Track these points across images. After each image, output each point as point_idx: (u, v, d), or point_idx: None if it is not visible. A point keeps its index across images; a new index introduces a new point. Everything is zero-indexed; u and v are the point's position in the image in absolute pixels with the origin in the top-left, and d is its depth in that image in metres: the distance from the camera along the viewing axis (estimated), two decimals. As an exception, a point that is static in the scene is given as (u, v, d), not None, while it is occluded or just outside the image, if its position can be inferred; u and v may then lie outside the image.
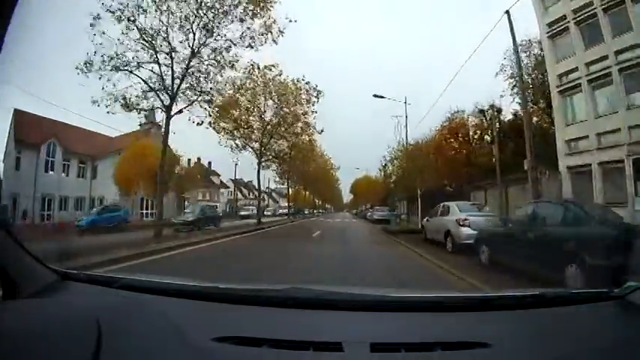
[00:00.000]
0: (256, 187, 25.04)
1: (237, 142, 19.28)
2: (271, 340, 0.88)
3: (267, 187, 50.73)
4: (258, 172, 20.30)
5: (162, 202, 12.39)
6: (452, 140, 21.08)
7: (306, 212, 46.93)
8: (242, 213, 35.22)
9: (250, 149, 19.81)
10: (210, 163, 47.75)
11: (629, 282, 1.15)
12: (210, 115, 12.68)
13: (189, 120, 12.46)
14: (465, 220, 8.41)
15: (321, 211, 65.21)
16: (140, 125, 26.09)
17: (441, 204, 10.45)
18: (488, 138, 20.13)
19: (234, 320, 1.02)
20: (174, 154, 24.27)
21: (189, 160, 52.16)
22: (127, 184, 20.55)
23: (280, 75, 18.36)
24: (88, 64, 10.08)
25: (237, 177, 58.69)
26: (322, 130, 20.53)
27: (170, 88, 11.13)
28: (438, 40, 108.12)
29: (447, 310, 1.11)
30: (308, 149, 23.80)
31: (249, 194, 61.97)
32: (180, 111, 11.84)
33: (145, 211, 26.10)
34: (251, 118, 19.21)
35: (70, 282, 1.22)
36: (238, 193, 58.56)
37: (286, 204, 49.86)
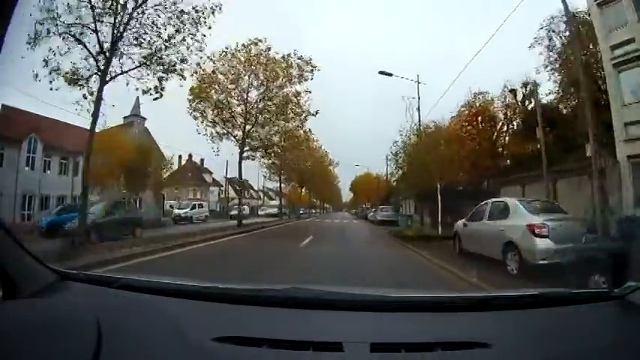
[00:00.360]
0: (253, 186, 24.30)
1: (217, 129, 17.51)
2: (271, 340, 0.91)
3: (264, 186, 50.69)
4: (240, 164, 18.51)
5: (87, 199, 10.61)
6: (470, 127, 18.78)
7: (301, 212, 45.71)
8: (233, 212, 34.74)
9: (232, 138, 17.95)
10: (202, 160, 47.66)
11: (629, 282, 1.20)
12: (160, 80, 10.70)
13: (128, 85, 10.57)
14: (542, 226, 5.91)
15: (319, 210, 65.07)
16: (124, 118, 25.97)
17: (489, 201, 7.99)
18: (517, 123, 18.14)
19: (234, 320, 1.06)
20: (152, 146, 23.37)
21: (180, 156, 51.90)
22: (98, 181, 19.65)
23: (268, 50, 16.74)
24: (37, 36, 9.08)
25: (232, 175, 58.38)
26: (317, 112, 18.35)
27: (108, 48, 9.70)
28: (448, 29, 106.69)
29: (447, 310, 1.15)
30: (302, 139, 21.67)
31: (243, 192, 61.81)
32: (126, 72, 10.21)
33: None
34: (232, 100, 17.31)
35: (70, 282, 1.27)
36: (231, 191, 58.42)
37: (282, 202, 49.26)
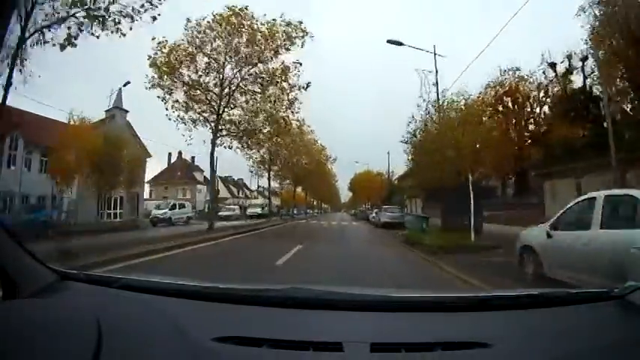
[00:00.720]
0: (248, 186, 22.16)
1: (190, 113, 15.24)
2: (271, 340, 0.95)
3: (260, 186, 49.58)
4: (212, 153, 15.72)
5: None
6: (493, 110, 15.70)
7: (295, 212, 43.02)
8: (222, 213, 33.18)
9: (207, 123, 15.66)
10: (193, 157, 46.84)
11: (629, 282, 1.23)
12: (79, 27, 9.53)
13: (42, 43, 9.49)
14: None
15: (316, 211, 63.89)
16: (106, 111, 25.40)
17: (599, 194, 4.97)
18: (559, 102, 15.07)
19: (234, 320, 1.09)
20: (128, 141, 22.45)
21: (169, 154, 51.25)
22: (61, 177, 19.30)
23: (251, 21, 14.49)
24: None
25: (227, 174, 57.48)
26: (309, 84, 15.74)
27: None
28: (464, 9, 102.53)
29: (447, 310, 1.19)
30: (292, 124, 18.72)
31: (238, 192, 61.32)
32: (44, 28, 9.15)
33: (109, 211, 25.05)
34: (208, 78, 15.11)
35: (70, 282, 1.30)
36: (226, 191, 57.79)
37: (278, 202, 47.44)
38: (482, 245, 9.08)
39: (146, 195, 44.51)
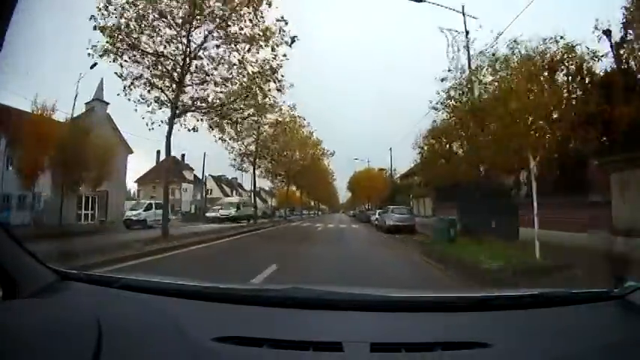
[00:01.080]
0: (245, 185, 18.81)
1: (154, 92, 11.83)
2: (271, 340, 0.96)
3: (254, 186, 46.85)
4: (169, 135, 12.10)
5: None
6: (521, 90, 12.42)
7: (289, 214, 39.88)
8: (210, 214, 30.35)
9: (168, 101, 12.14)
10: (183, 155, 44.38)
11: (629, 282, 1.22)
12: None
13: None
14: None
15: (312, 212, 60.74)
16: (86, 104, 23.27)
17: None
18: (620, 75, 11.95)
19: (235, 320, 1.11)
20: (99, 135, 20.35)
21: (158, 151, 48.77)
22: (27, 174, 18.07)
23: None
24: None
25: (221, 173, 54.99)
26: (294, 40, 12.09)
27: None
28: None
29: (447, 310, 1.20)
30: (285, 119, 16.36)
31: (232, 192, 58.92)
32: None
33: (87, 212, 23.63)
34: (169, 46, 11.59)
35: (70, 282, 1.32)
36: (218, 190, 55.37)
37: (276, 203, 44.63)
38: (550, 265, 6.20)
39: (136, 195, 42.16)
